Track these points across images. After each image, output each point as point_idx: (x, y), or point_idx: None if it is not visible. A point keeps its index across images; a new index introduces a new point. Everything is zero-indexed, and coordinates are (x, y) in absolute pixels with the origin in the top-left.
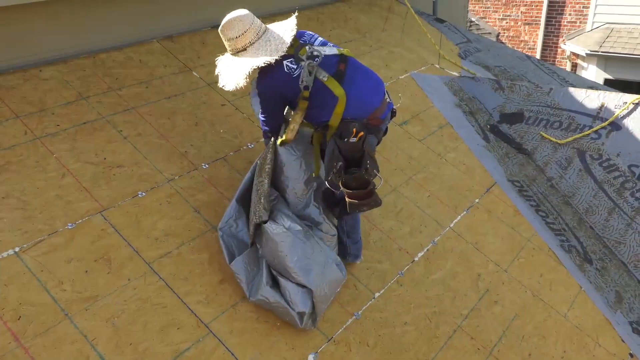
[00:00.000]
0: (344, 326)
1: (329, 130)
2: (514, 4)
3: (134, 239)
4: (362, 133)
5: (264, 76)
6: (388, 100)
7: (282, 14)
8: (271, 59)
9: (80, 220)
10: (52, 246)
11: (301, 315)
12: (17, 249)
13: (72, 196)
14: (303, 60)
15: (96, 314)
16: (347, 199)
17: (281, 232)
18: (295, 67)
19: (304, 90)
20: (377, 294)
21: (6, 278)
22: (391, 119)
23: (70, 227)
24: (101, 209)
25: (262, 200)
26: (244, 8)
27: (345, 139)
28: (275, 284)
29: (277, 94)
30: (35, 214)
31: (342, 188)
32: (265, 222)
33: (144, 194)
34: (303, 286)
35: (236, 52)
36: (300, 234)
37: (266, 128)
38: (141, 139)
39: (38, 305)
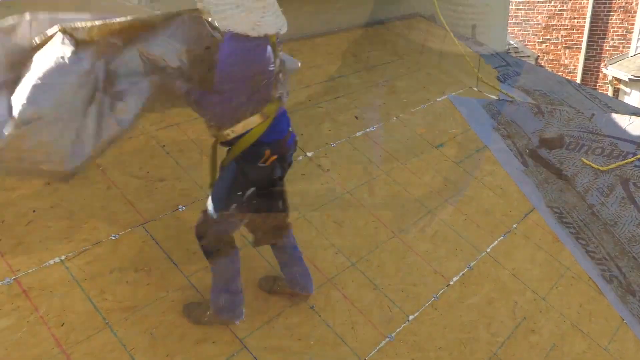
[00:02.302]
0: (377, 348)
1: (231, 150)
2: (554, 27)
3: (174, 252)
4: (275, 157)
5: (243, 40)
6: (291, 129)
7: (319, 36)
8: (284, 24)
9: (123, 232)
10: (96, 256)
11: None
12: (62, 257)
13: (116, 207)
14: (278, 58)
15: (135, 323)
16: (258, 230)
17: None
18: (272, 59)
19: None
20: (411, 317)
21: (52, 285)
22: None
23: (113, 238)
24: (143, 222)
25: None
26: None
27: (256, 164)
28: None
29: (251, 71)
30: (81, 224)
31: (249, 216)
32: None
33: (184, 207)
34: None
35: None
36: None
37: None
38: (183, 155)
39: (80, 313)
